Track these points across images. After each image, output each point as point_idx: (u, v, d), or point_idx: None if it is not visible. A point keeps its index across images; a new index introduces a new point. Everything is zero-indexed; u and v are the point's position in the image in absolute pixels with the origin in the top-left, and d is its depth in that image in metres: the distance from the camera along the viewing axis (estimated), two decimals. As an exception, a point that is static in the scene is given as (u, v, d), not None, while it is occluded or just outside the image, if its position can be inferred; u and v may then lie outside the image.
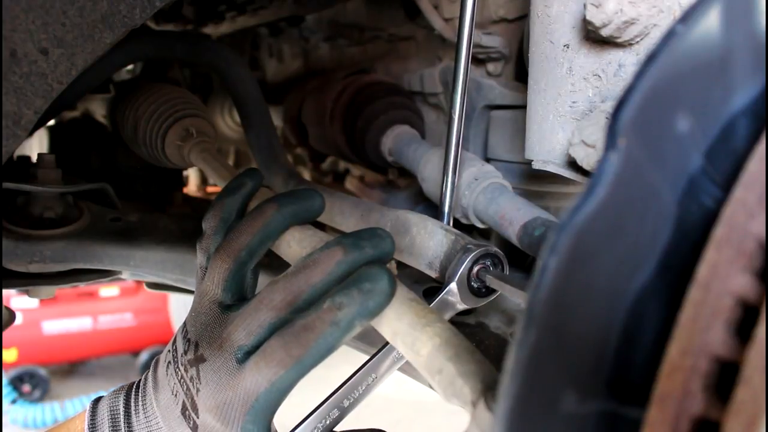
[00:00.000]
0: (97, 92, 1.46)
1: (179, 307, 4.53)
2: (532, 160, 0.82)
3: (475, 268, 0.73)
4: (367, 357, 0.69)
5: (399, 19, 1.40)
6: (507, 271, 0.74)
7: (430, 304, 0.71)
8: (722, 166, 0.38)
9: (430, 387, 0.61)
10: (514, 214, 0.86)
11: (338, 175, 1.77)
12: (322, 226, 1.11)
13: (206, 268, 0.69)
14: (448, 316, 0.73)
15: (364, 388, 0.67)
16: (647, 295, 0.36)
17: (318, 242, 0.75)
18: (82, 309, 4.51)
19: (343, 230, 0.98)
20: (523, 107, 0.86)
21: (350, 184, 1.59)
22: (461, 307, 0.74)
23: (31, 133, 1.11)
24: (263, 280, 1.04)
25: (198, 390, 0.60)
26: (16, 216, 1.08)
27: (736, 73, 0.38)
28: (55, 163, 1.14)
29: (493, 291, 0.74)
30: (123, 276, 1.20)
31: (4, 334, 1.05)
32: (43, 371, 4.42)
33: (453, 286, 0.72)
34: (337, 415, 0.66)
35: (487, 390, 0.48)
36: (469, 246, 0.74)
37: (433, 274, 0.79)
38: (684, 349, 0.33)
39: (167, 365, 0.67)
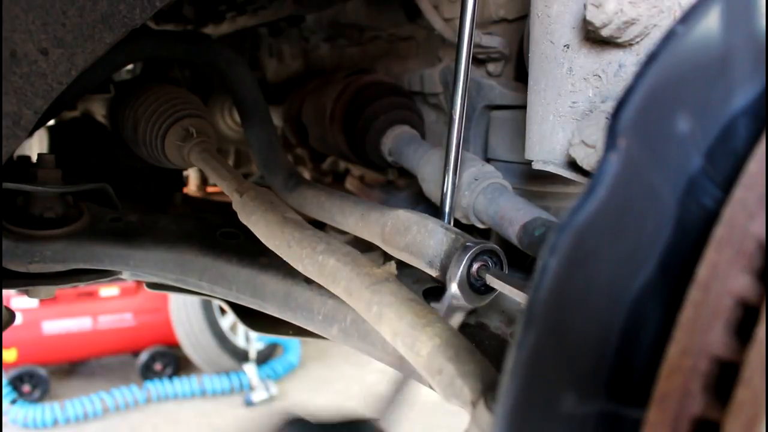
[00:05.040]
0: (97, 92, 1.46)
1: (179, 307, 4.53)
2: (532, 161, 0.82)
3: (475, 266, 0.73)
4: (367, 356, 0.69)
5: (399, 20, 1.40)
6: (506, 268, 0.74)
7: (431, 304, 0.70)
8: (722, 167, 0.38)
9: (430, 387, 0.61)
10: (514, 215, 0.86)
11: (338, 175, 1.77)
12: (322, 225, 1.11)
13: None
14: (457, 317, 0.73)
15: None
16: (647, 296, 0.36)
17: (317, 242, 0.75)
18: (82, 309, 4.50)
19: (342, 229, 0.98)
20: (523, 107, 0.86)
21: (350, 184, 1.59)
22: (466, 306, 0.73)
23: (31, 133, 1.11)
24: (265, 280, 1.05)
25: None
26: (16, 216, 1.08)
27: (736, 73, 0.38)
28: (55, 163, 1.14)
29: (494, 289, 0.74)
30: (123, 276, 1.20)
31: (4, 334, 1.04)
32: (43, 371, 4.41)
33: (454, 286, 0.72)
34: None
35: (487, 390, 0.48)
36: (468, 244, 0.74)
37: (434, 273, 0.79)
38: (684, 349, 0.33)
39: None
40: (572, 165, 0.76)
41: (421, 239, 0.79)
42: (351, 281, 0.71)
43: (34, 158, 1.17)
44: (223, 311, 4.67)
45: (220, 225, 1.18)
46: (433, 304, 0.70)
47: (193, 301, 4.47)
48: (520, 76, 1.11)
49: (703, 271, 0.34)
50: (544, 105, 0.78)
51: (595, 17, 0.66)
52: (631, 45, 0.70)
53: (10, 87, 0.67)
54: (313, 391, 4.56)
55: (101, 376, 4.84)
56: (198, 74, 1.92)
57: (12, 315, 1.07)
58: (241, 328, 4.73)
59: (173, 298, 4.51)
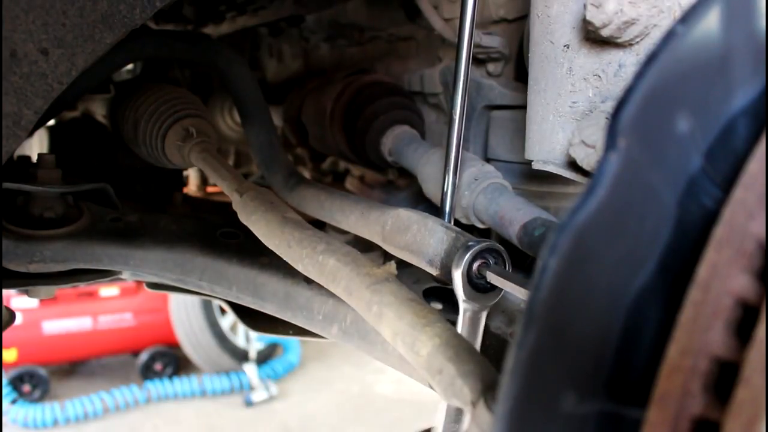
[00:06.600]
0: (97, 92, 1.46)
1: (179, 307, 4.53)
2: (532, 161, 0.82)
3: (476, 264, 0.73)
4: (367, 356, 0.69)
5: (399, 20, 1.40)
6: (509, 267, 0.74)
7: (431, 304, 0.70)
8: (722, 167, 0.38)
9: (430, 387, 0.61)
10: (514, 214, 0.86)
11: (338, 175, 1.77)
12: (322, 225, 1.11)
13: None
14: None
15: None
16: (647, 296, 0.36)
17: (317, 242, 0.75)
18: (82, 309, 4.50)
19: (342, 228, 0.98)
20: (523, 107, 0.86)
21: (350, 184, 1.59)
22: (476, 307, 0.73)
23: (31, 133, 1.11)
24: (265, 280, 1.05)
25: None
26: (16, 216, 1.08)
27: (736, 73, 0.38)
28: (55, 163, 1.14)
29: (496, 287, 0.74)
30: (123, 276, 1.20)
31: (4, 334, 1.04)
32: (43, 371, 4.41)
33: (458, 283, 0.72)
34: None
35: (487, 390, 0.48)
36: (470, 243, 0.74)
37: (434, 272, 0.79)
38: (684, 349, 0.33)
39: None
40: (572, 165, 0.76)
41: (422, 238, 0.79)
42: (351, 281, 0.71)
43: (34, 158, 1.17)
44: (223, 311, 4.67)
45: (220, 225, 1.18)
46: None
47: (193, 301, 4.47)
48: (520, 76, 1.11)
49: (703, 271, 0.34)
50: (544, 105, 0.78)
51: (595, 17, 0.66)
52: (631, 45, 0.70)
53: (10, 87, 0.67)
54: (313, 391, 4.56)
55: (101, 376, 4.84)
56: (198, 74, 1.92)
57: (12, 315, 1.07)
58: (241, 328, 4.73)
59: (173, 298, 4.51)
